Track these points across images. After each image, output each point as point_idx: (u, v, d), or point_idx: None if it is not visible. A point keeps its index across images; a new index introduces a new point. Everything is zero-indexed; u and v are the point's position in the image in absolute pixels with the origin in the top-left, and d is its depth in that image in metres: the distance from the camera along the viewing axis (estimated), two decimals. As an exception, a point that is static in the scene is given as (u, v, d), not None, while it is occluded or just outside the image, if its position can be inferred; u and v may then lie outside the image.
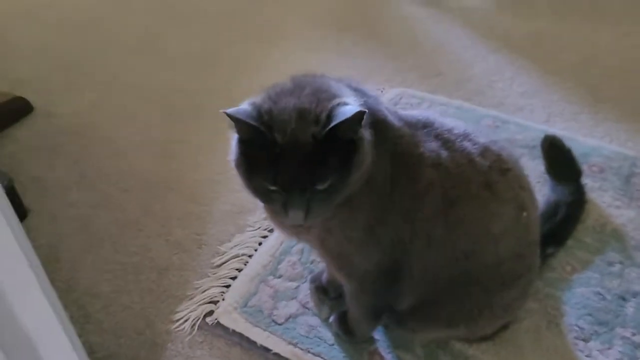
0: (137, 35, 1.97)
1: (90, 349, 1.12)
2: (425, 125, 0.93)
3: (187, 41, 1.95)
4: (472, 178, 0.91)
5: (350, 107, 0.77)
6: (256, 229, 1.32)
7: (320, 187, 0.77)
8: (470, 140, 0.93)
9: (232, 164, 0.83)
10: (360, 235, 0.91)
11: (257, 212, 1.37)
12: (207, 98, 1.69)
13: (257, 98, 0.82)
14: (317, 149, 0.76)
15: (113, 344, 1.13)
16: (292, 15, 2.15)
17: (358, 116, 0.76)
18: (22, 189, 1.40)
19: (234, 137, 0.82)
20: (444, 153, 0.91)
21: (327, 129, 0.75)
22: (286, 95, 0.81)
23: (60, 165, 1.50)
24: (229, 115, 0.76)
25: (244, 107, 0.80)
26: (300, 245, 1.27)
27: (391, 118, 0.90)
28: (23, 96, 1.64)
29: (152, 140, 1.58)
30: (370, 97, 0.88)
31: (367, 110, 0.77)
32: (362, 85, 0.88)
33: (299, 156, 0.75)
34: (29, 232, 1.37)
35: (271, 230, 1.31)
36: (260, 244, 1.28)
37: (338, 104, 0.78)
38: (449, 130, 0.94)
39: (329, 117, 0.76)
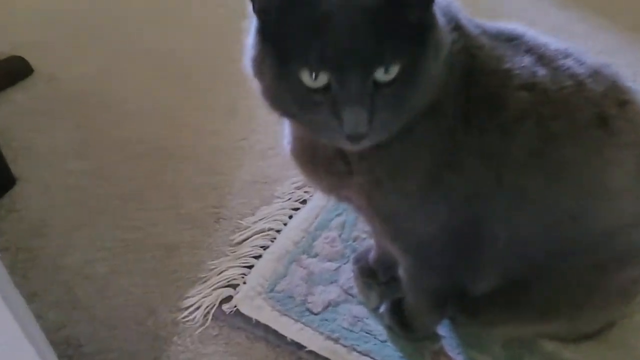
0: (156, 2, 1.79)
1: (77, 342, 0.90)
2: (511, 38, 0.69)
3: (211, 8, 1.76)
4: (581, 107, 0.66)
5: None
6: (286, 200, 1.08)
7: (387, 74, 0.55)
8: (574, 59, 0.68)
9: (249, 68, 0.60)
10: (421, 185, 0.67)
11: (286, 181, 1.13)
12: (228, 62, 1.47)
13: None
14: (379, 14, 0.53)
15: (106, 336, 0.91)
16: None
17: None
18: (13, 155, 1.20)
19: (251, 29, 0.60)
20: (541, 71, 0.66)
21: None
22: None
23: (59, 131, 1.29)
24: None
25: None
26: (341, 218, 1.03)
27: (466, 22, 0.65)
28: (24, 57, 1.45)
29: (166, 106, 1.36)
30: None
31: None
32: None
33: (355, 20, 0.53)
34: (14, 202, 1.17)
35: (304, 202, 1.07)
36: (290, 217, 1.05)
37: None
38: (544, 45, 0.69)
39: None
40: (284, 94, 0.58)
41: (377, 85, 0.55)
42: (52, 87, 1.42)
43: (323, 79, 0.55)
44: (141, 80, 1.45)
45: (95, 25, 1.66)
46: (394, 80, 0.55)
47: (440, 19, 0.60)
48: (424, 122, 0.63)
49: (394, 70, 0.55)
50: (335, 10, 0.53)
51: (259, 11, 0.58)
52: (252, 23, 0.60)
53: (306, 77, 0.55)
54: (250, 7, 0.59)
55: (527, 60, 0.66)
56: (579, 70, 0.67)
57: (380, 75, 0.55)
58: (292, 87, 0.56)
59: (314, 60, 0.54)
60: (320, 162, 0.69)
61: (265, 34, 0.58)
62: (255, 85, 0.62)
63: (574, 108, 0.66)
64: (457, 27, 0.64)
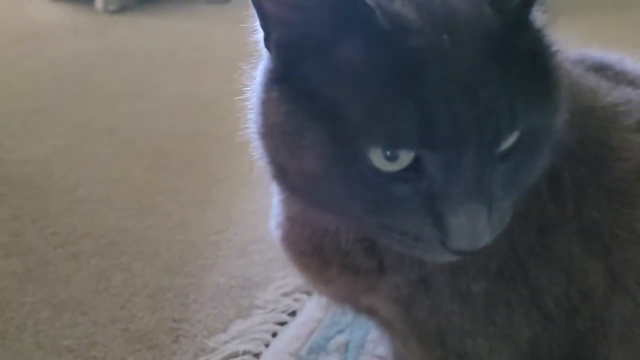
0: (125, 81, 1.63)
1: None
2: (601, 67, 0.49)
3: (185, 85, 1.61)
4: None
5: None
6: (269, 311, 0.82)
7: (505, 142, 0.35)
8: None
9: (264, 142, 0.39)
10: (495, 283, 0.44)
11: (270, 286, 0.88)
12: (203, 144, 1.28)
13: None
14: (498, 38, 0.34)
15: None
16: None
17: None
18: None
19: (261, 73, 0.40)
20: None
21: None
22: None
23: (-11, 221, 1.05)
24: None
25: None
26: (343, 337, 0.76)
27: None
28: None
29: (127, 191, 1.14)
30: None
31: None
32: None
33: (474, 59, 0.33)
34: None
35: (293, 314, 0.81)
36: (274, 335, 0.78)
37: None
38: None
39: None
40: (336, 185, 0.36)
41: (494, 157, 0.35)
42: (-8, 171, 1.20)
43: (408, 157, 0.34)
44: (100, 163, 1.23)
45: (53, 103, 1.49)
46: (513, 148, 0.36)
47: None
48: None
49: (519, 130, 0.35)
50: (436, 44, 0.33)
51: (284, 46, 0.37)
52: (264, 64, 0.39)
53: (379, 159, 0.34)
54: (259, 35, 0.38)
55: (634, 94, 0.46)
56: None
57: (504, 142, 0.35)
58: (353, 174, 0.34)
59: (399, 134, 0.33)
60: (331, 253, 0.46)
61: (299, 87, 0.36)
62: (272, 169, 0.40)
63: None
64: None
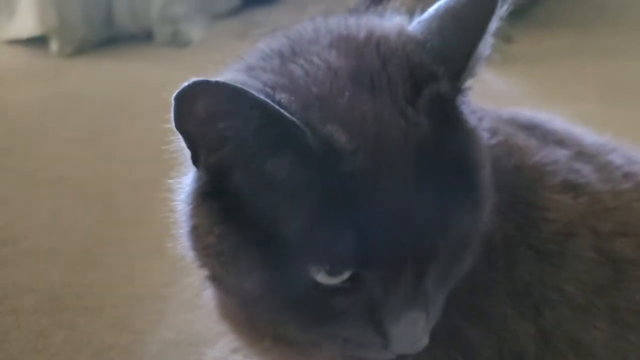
0: (77, 126, 1.60)
1: None
2: (530, 126, 0.51)
3: (140, 131, 1.58)
4: None
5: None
6: (217, 370, 0.79)
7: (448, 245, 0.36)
8: (619, 154, 0.50)
9: (200, 261, 0.40)
10: (425, 354, 0.44)
11: (218, 342, 0.85)
12: (157, 192, 1.25)
13: (242, 71, 0.40)
14: (434, 147, 0.35)
15: None
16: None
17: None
18: None
19: (188, 192, 0.40)
20: (584, 168, 0.47)
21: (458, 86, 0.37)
22: (306, 58, 0.38)
23: None
24: (201, 90, 0.35)
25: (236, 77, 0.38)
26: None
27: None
28: None
29: (74, 243, 1.10)
30: None
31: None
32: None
33: (405, 177, 0.34)
34: None
35: (242, 371, 0.79)
36: (222, 395, 0.75)
37: (401, 31, 0.40)
38: (579, 136, 0.51)
39: (426, 56, 0.37)
40: (276, 304, 0.37)
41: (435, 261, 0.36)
42: None
43: (347, 271, 0.35)
44: (47, 213, 1.19)
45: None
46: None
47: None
48: None
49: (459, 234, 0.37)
50: (368, 170, 0.33)
51: (213, 165, 0.37)
52: (192, 176, 0.39)
53: (319, 274, 0.35)
54: (187, 157, 0.38)
55: (561, 154, 0.47)
56: (633, 168, 0.48)
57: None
58: (294, 291, 0.35)
59: (336, 256, 0.34)
60: (264, 324, 0.45)
61: (231, 206, 0.36)
62: (207, 274, 0.40)
63: None
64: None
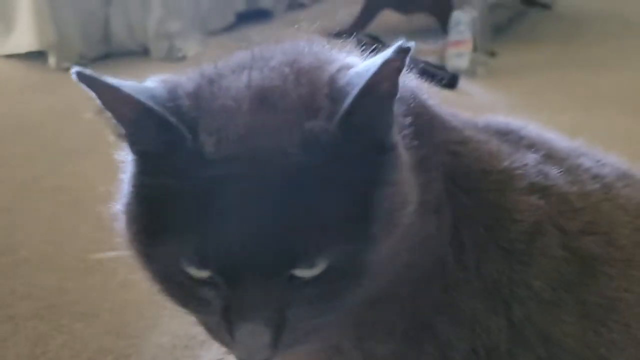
0: (75, 139, 1.61)
1: None
2: (505, 132, 0.54)
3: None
4: (619, 219, 0.49)
5: (364, 67, 0.38)
6: (211, 371, 0.81)
7: (307, 272, 0.37)
8: (589, 157, 0.53)
9: (121, 221, 0.43)
10: (399, 350, 0.46)
11: (214, 345, 0.87)
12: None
13: (178, 77, 0.44)
14: (301, 175, 0.37)
15: None
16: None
17: (394, 73, 0.37)
18: None
19: (127, 159, 0.43)
20: (553, 171, 0.50)
21: (337, 120, 0.37)
22: (236, 71, 0.42)
23: None
24: (93, 85, 0.40)
25: (147, 83, 0.42)
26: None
27: (438, 110, 0.50)
28: None
29: (71, 251, 1.12)
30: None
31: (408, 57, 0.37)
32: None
33: (261, 195, 0.36)
34: None
35: (235, 373, 0.81)
36: (216, 396, 0.77)
37: (340, 69, 0.40)
38: (550, 141, 0.54)
39: (333, 95, 0.38)
40: (157, 270, 0.40)
41: (293, 283, 0.37)
42: None
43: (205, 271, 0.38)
44: (45, 222, 1.21)
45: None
46: (320, 277, 0.37)
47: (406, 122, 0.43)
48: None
49: (322, 264, 0.37)
50: (230, 171, 0.36)
51: (134, 150, 0.41)
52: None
53: (184, 263, 0.38)
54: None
55: (531, 158, 0.50)
56: (602, 171, 0.51)
57: (301, 272, 0.37)
58: (169, 270, 0.38)
59: (192, 254, 0.37)
60: None
61: (140, 179, 0.40)
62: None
63: (610, 220, 0.49)
64: (426, 117, 0.47)
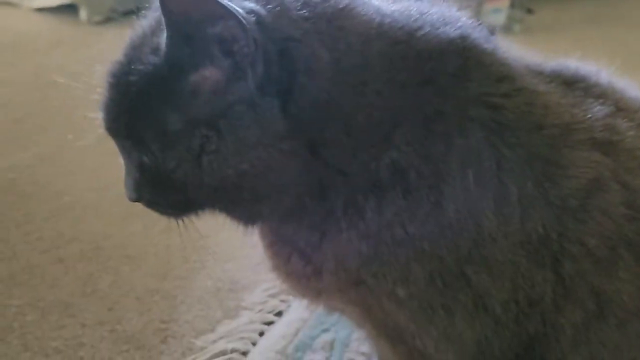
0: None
1: None
2: (573, 80, 0.52)
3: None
4: None
5: None
6: (256, 312, 0.84)
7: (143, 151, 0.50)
8: None
9: None
10: (422, 295, 0.47)
11: (257, 288, 0.90)
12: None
13: None
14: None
15: None
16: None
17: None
18: None
19: None
20: (622, 125, 0.49)
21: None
22: None
23: (-29, 226, 1.05)
24: None
25: None
26: (329, 335, 0.78)
27: (495, 59, 0.49)
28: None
29: (113, 198, 1.14)
30: None
31: None
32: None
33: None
34: None
35: (279, 314, 0.83)
36: (261, 334, 0.80)
37: None
38: (622, 91, 0.52)
39: None
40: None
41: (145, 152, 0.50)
42: (-26, 178, 1.19)
43: None
44: (86, 171, 1.24)
45: (36, 113, 1.49)
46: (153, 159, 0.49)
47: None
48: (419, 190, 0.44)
49: (147, 151, 0.49)
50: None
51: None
52: None
53: None
54: None
55: (598, 110, 0.48)
56: None
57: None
58: None
59: None
60: (281, 258, 0.52)
61: None
62: None
63: None
64: (469, 52, 0.47)
